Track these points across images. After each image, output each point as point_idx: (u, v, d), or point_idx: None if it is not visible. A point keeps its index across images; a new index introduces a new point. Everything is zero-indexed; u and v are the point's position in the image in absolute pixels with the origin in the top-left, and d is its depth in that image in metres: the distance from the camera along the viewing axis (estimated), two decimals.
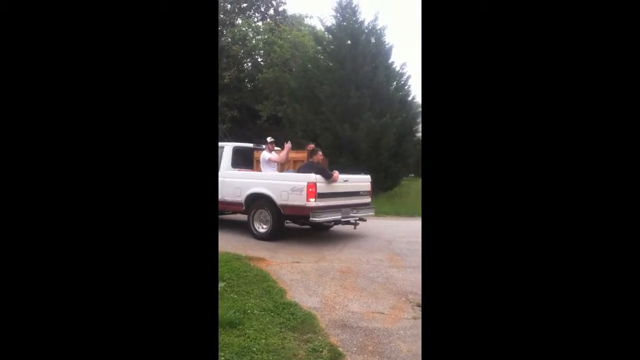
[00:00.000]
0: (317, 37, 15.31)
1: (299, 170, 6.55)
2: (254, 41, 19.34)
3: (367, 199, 7.12)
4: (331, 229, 7.69)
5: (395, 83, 13.52)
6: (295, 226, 7.15)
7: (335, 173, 6.39)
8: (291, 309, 3.67)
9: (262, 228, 6.58)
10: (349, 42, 13.04)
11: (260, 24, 20.85)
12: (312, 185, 5.95)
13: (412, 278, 4.80)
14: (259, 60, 19.76)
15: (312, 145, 7.72)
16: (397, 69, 13.61)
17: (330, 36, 13.91)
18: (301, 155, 7.25)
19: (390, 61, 13.43)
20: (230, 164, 7.30)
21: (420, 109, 16.14)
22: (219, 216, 8.03)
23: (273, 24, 20.07)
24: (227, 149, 7.39)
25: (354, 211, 6.62)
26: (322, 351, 2.96)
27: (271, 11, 21.63)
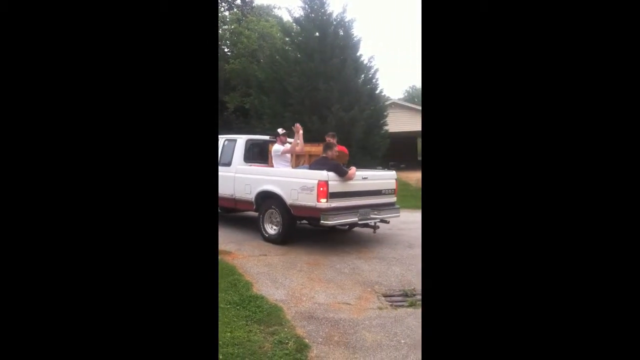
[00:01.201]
0: (285, 28, 15.14)
1: (311, 167, 5.82)
2: (220, 31, 18.95)
3: (392, 198, 6.25)
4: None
5: (363, 76, 13.56)
6: (306, 225, 6.47)
7: (352, 170, 5.60)
8: (257, 302, 3.65)
9: (272, 229, 5.97)
10: (317, 34, 12.96)
11: (227, 13, 20.44)
12: (323, 184, 5.19)
13: (378, 269, 4.87)
14: (226, 50, 19.39)
15: (329, 135, 6.87)
16: (365, 62, 13.66)
17: (298, 27, 13.79)
18: (318, 149, 6.52)
19: (358, 54, 13.45)
20: (242, 158, 6.70)
21: (387, 102, 16.32)
22: (233, 214, 7.62)
23: (240, 14, 19.72)
24: (239, 142, 6.78)
25: (375, 212, 5.81)
26: (288, 343, 2.95)
27: (238, 1, 21.26)
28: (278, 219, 5.86)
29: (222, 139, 6.93)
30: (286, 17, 18.53)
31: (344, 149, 6.82)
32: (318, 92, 12.03)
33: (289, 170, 6.04)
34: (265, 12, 20.89)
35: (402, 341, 3.16)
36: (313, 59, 12.37)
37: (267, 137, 7.29)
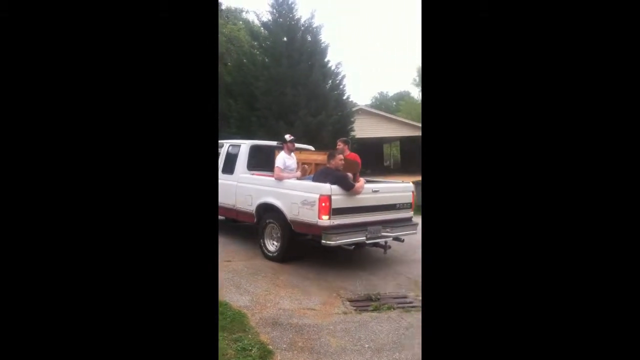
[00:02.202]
0: (252, 32, 15.05)
1: (314, 178, 5.14)
2: None
3: (407, 213, 5.45)
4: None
5: (330, 82, 13.65)
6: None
7: (360, 182, 4.96)
8: (221, 309, 3.59)
9: (272, 245, 5.36)
10: (285, 38, 12.95)
11: None
12: (325, 199, 4.55)
13: (343, 274, 4.89)
14: None
15: (341, 143, 6.20)
16: (333, 68, 13.76)
17: (266, 32, 13.74)
18: (324, 157, 5.74)
19: (326, 60, 13.54)
20: (245, 165, 6.06)
21: (354, 108, 16.49)
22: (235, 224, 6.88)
23: None
24: (243, 147, 6.16)
25: (387, 229, 5.07)
26: (251, 350, 2.92)
27: None
28: (279, 234, 5.24)
29: (226, 144, 6.48)
30: (254, 21, 18.41)
31: (356, 157, 6.13)
32: (285, 97, 12.01)
33: (291, 182, 5.25)
34: (233, 16, 20.69)
35: (366, 345, 3.19)
36: (281, 63, 12.35)
37: (273, 143, 6.55)
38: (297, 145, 6.27)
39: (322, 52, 13.42)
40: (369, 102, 36.93)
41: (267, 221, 5.36)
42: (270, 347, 3.02)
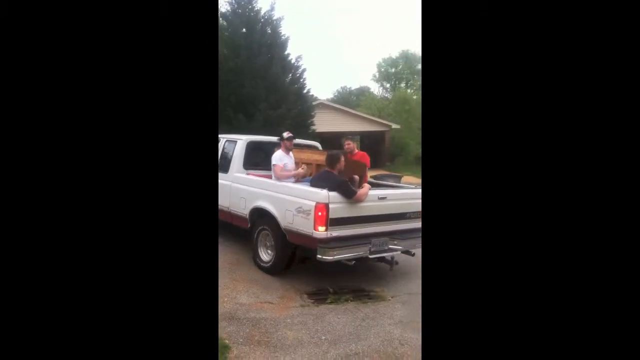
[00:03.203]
0: None
1: (312, 183, 4.45)
2: None
3: (419, 223, 4.48)
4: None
5: (290, 75, 13.58)
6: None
7: (364, 189, 4.25)
8: None
9: (266, 255, 4.73)
10: (244, 30, 12.75)
11: None
12: (321, 208, 3.92)
13: (303, 267, 4.90)
14: None
15: (349, 142, 5.51)
16: (293, 61, 13.68)
17: (224, 22, 13.46)
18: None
19: (286, 53, 13.45)
20: (241, 164, 5.40)
21: (315, 102, 16.50)
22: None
23: None
24: (239, 144, 5.49)
25: (395, 242, 4.43)
26: None
27: None
28: (273, 243, 4.61)
29: (222, 139, 5.83)
30: None
31: (364, 156, 5.43)
32: (244, 89, 11.84)
33: (285, 185, 4.58)
34: None
35: (323, 337, 3.21)
36: (239, 55, 12.15)
37: (274, 139, 5.62)
38: (302, 142, 5.47)
39: (282, 44, 13.31)
40: (331, 96, 37.11)
41: (261, 227, 4.74)
42: (227, 341, 2.98)
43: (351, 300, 3.99)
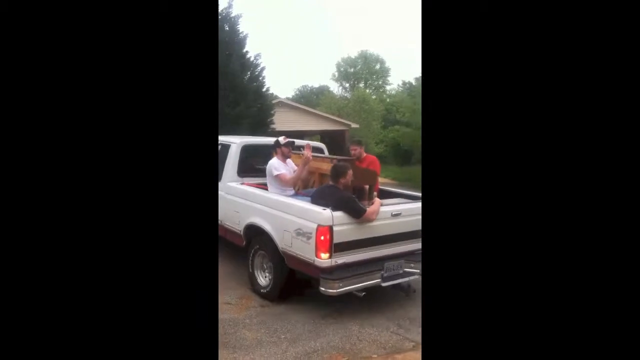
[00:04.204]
0: None
1: (313, 198, 3.78)
2: None
3: None
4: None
5: (249, 73, 13.43)
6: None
7: (375, 205, 3.58)
8: None
9: (264, 279, 4.04)
10: None
11: None
12: (324, 231, 3.25)
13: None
14: None
15: (355, 147, 4.77)
16: (252, 59, 13.53)
17: None
18: (331, 165, 4.12)
19: (244, 50, 13.28)
20: (236, 171, 4.61)
21: (275, 101, 16.40)
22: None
23: None
24: (233, 148, 4.65)
25: (412, 264, 3.72)
26: None
27: None
28: (270, 266, 3.93)
29: None
30: None
31: (375, 162, 4.74)
32: None
33: (282, 200, 3.83)
34: None
35: (282, 336, 3.21)
36: None
37: (271, 140, 4.72)
38: (302, 143, 4.67)
39: (241, 42, 13.15)
40: (291, 95, 36.98)
41: (256, 247, 4.07)
42: None
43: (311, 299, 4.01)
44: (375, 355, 3.02)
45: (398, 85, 36.40)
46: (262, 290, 3.99)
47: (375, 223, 3.52)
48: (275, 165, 4.15)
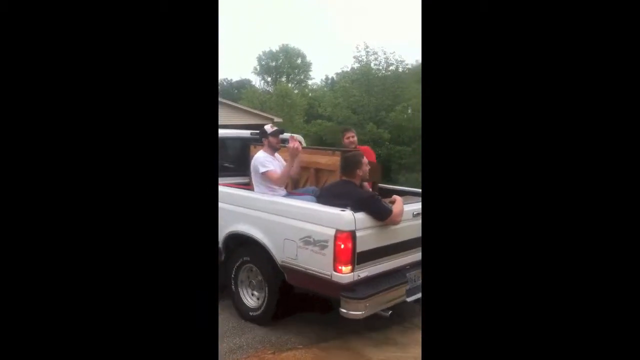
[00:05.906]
0: None
1: (321, 197, 3.18)
2: None
3: None
4: None
5: None
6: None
7: (398, 204, 2.94)
8: None
9: (252, 299, 3.34)
10: None
11: None
12: (345, 238, 2.61)
13: None
14: None
15: (349, 134, 4.07)
16: None
17: None
18: (332, 159, 3.59)
19: None
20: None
21: None
22: None
23: None
24: None
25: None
26: None
27: None
28: (261, 280, 3.21)
29: None
30: None
31: (369, 152, 4.07)
32: None
33: (282, 201, 3.18)
34: None
35: None
36: None
37: (247, 133, 4.06)
38: (296, 136, 3.94)
39: None
40: None
41: (242, 259, 3.29)
42: None
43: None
44: (301, 346, 3.08)
45: (321, 80, 36.93)
46: (250, 313, 3.30)
47: (398, 226, 2.93)
48: (261, 160, 3.42)
